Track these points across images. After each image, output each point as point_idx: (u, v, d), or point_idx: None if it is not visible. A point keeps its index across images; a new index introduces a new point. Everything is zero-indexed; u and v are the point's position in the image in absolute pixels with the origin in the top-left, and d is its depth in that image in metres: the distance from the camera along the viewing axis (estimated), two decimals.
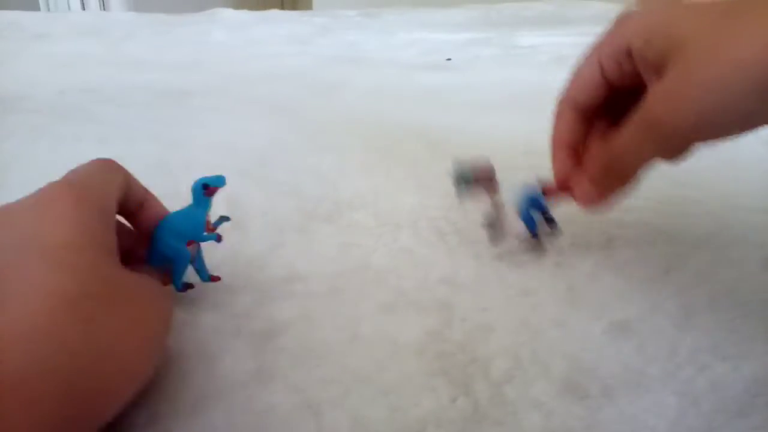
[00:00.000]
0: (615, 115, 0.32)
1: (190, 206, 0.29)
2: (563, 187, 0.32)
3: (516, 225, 0.33)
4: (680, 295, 0.30)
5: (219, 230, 0.29)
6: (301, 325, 0.29)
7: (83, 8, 3.37)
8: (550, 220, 0.33)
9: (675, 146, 0.27)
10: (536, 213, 0.32)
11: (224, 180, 0.29)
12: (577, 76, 0.33)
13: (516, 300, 0.30)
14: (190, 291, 0.30)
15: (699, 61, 0.25)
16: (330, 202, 0.43)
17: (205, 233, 0.29)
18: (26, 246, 0.22)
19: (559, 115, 0.34)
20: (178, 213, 0.29)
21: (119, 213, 0.28)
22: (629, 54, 0.29)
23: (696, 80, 0.25)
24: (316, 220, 0.40)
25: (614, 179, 0.30)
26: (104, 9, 3.39)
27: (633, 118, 0.28)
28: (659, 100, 0.26)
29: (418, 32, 1.56)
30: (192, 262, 0.29)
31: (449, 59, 1.14)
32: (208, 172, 0.29)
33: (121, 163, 0.28)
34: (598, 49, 0.31)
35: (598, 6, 1.95)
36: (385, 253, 0.36)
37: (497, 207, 0.32)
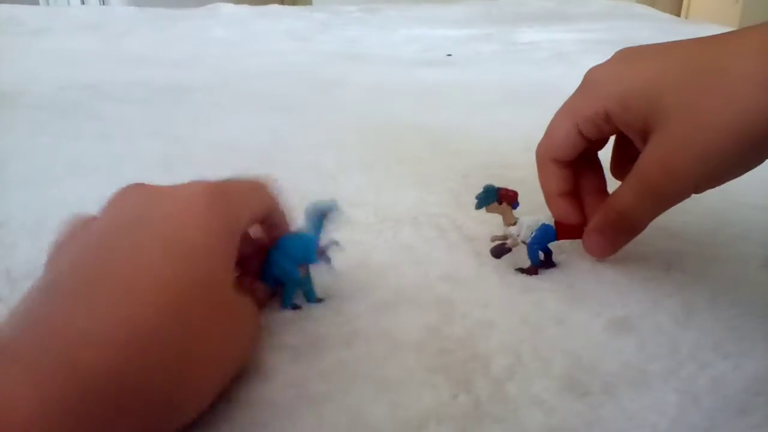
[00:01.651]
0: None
1: (305, 230, 0.30)
2: (574, 229, 0.33)
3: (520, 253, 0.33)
4: (681, 292, 0.30)
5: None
6: (302, 321, 0.29)
7: (83, 2, 3.36)
8: (549, 258, 0.33)
9: (675, 202, 0.29)
10: (541, 249, 0.33)
11: (336, 206, 0.30)
12: (553, 136, 0.33)
13: (517, 297, 0.30)
14: None
15: (686, 131, 0.26)
16: (330, 198, 0.43)
17: (316, 257, 0.30)
18: (152, 233, 0.22)
19: (542, 169, 0.34)
20: (292, 237, 0.30)
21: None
22: (607, 119, 0.29)
23: (687, 150, 0.26)
24: None
25: (624, 234, 0.31)
26: (104, 3, 3.38)
27: (631, 182, 0.29)
28: (654, 169, 0.28)
29: (419, 28, 1.55)
30: (302, 285, 0.30)
31: (449, 55, 1.13)
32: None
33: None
34: (572, 112, 0.31)
35: (597, 3, 1.94)
36: (385, 249, 0.36)
37: (509, 232, 0.33)
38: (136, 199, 0.24)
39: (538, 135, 0.34)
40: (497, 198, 0.32)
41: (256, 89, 0.84)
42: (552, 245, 0.33)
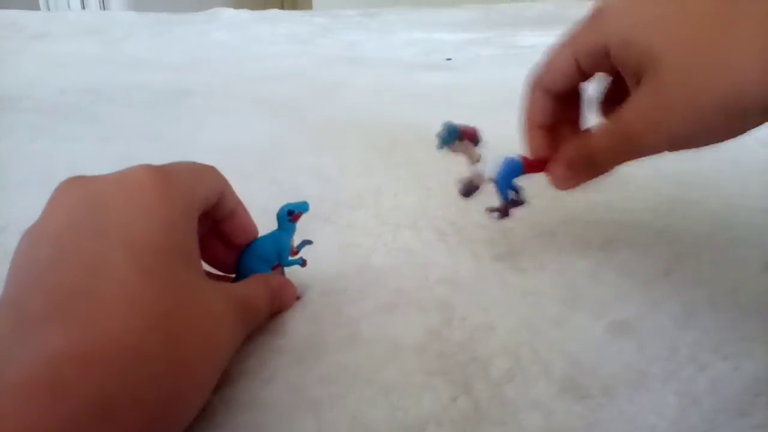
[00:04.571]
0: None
1: (275, 231, 0.30)
2: (540, 163, 0.32)
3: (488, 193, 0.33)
4: (681, 294, 0.30)
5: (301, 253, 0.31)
6: (302, 324, 0.29)
7: (83, 7, 3.37)
8: (518, 194, 0.33)
9: (647, 154, 0.28)
10: (509, 184, 0.32)
11: (308, 206, 0.30)
12: (550, 64, 0.32)
13: (516, 299, 0.30)
14: None
15: (674, 87, 0.25)
16: (330, 202, 0.43)
17: (290, 257, 0.30)
18: (112, 237, 0.21)
19: (530, 97, 0.33)
20: (263, 238, 0.30)
21: (210, 219, 0.28)
22: (607, 54, 0.29)
23: (670, 107, 0.25)
24: (316, 220, 0.40)
25: (590, 171, 0.30)
26: (104, 8, 3.38)
27: (609, 126, 0.29)
28: (634, 118, 0.27)
29: (419, 32, 1.56)
30: None
31: (449, 59, 1.14)
32: None
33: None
34: (573, 41, 0.30)
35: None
36: (385, 252, 0.36)
37: (475, 171, 0.32)
38: (79, 198, 0.22)
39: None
40: (458, 136, 0.31)
41: (256, 93, 0.84)
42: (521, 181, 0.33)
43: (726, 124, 0.25)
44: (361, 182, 0.48)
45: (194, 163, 0.27)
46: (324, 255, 0.35)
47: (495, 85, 0.88)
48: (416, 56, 1.20)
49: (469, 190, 0.32)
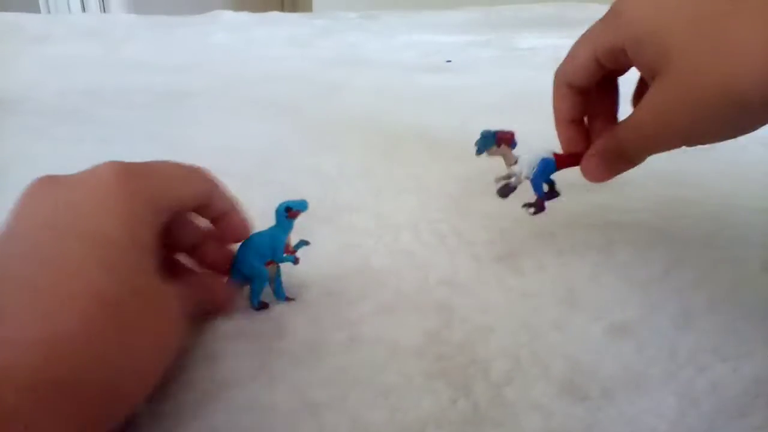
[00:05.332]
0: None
1: (272, 227, 0.30)
2: (573, 158, 0.33)
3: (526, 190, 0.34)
4: (680, 296, 0.30)
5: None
6: (302, 326, 0.29)
7: (83, 9, 3.37)
8: (553, 188, 0.34)
9: (668, 149, 0.29)
10: (544, 181, 0.34)
11: (307, 204, 0.30)
12: (573, 61, 0.33)
13: (516, 301, 0.30)
14: None
15: (683, 84, 0.26)
16: (330, 203, 0.43)
17: (284, 255, 0.30)
18: (67, 233, 0.22)
19: (557, 93, 0.34)
20: (260, 234, 0.30)
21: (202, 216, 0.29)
22: (624, 52, 0.29)
23: (680, 105, 0.26)
24: (316, 221, 0.40)
25: (620, 163, 0.31)
26: (104, 11, 3.39)
27: (630, 119, 0.29)
28: (648, 116, 0.28)
29: (418, 34, 1.56)
30: (270, 282, 0.30)
31: (449, 61, 1.14)
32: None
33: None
34: (592, 40, 0.31)
35: (597, 8, 1.95)
36: (385, 254, 0.36)
37: (512, 172, 0.33)
38: (46, 197, 0.23)
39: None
40: (495, 141, 0.33)
41: (257, 94, 0.84)
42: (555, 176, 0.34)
43: (734, 118, 0.25)
44: (361, 184, 0.48)
45: (177, 163, 0.28)
46: (324, 256, 0.35)
47: (495, 86, 0.88)
48: (416, 58, 1.20)
49: (506, 191, 0.34)
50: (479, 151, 0.33)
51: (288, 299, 0.31)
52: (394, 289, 0.32)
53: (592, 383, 0.24)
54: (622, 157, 0.30)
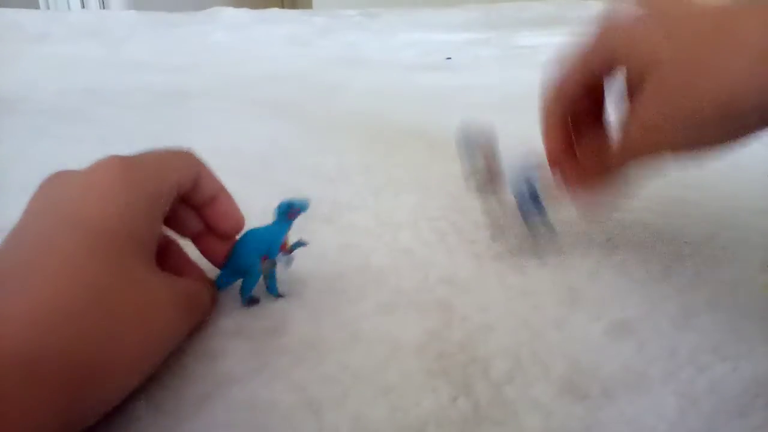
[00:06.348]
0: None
1: (270, 224, 0.30)
2: (555, 166, 0.33)
3: (516, 223, 0.33)
4: (680, 295, 0.30)
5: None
6: (302, 324, 0.29)
7: (83, 6, 3.36)
8: (544, 218, 0.34)
9: (653, 160, 0.28)
10: (527, 188, 0.33)
11: (308, 204, 0.30)
12: (563, 96, 0.32)
13: (516, 300, 0.30)
14: None
15: (672, 93, 0.26)
16: (330, 203, 0.43)
17: (279, 254, 0.30)
18: (65, 220, 0.23)
19: (549, 128, 0.34)
20: (259, 229, 0.30)
21: (188, 204, 0.29)
22: (615, 65, 0.29)
23: (668, 115, 0.26)
24: (316, 221, 0.40)
25: (609, 185, 0.31)
26: (104, 7, 3.38)
27: (618, 129, 0.29)
28: (634, 125, 0.28)
29: (418, 32, 1.56)
30: (264, 278, 0.30)
31: (449, 59, 1.14)
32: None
33: None
34: (585, 53, 0.31)
35: (597, 6, 1.95)
36: (385, 253, 0.36)
37: (494, 175, 0.33)
38: (53, 190, 0.25)
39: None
40: (477, 144, 0.33)
41: (256, 94, 0.84)
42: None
43: (724, 127, 0.25)
44: (361, 182, 0.48)
45: (167, 149, 0.28)
46: (324, 255, 0.35)
47: (495, 85, 0.88)
48: (416, 56, 1.20)
49: (496, 234, 0.35)
50: (462, 156, 0.33)
51: (280, 295, 0.31)
52: (395, 287, 0.32)
53: (592, 382, 0.24)
54: (609, 179, 0.31)
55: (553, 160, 0.34)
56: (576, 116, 0.34)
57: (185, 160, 0.28)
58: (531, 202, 0.33)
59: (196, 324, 0.28)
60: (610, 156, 0.30)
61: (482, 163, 0.33)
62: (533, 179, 0.33)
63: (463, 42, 1.37)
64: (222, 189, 0.30)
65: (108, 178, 0.24)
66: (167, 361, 0.25)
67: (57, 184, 0.25)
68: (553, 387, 0.24)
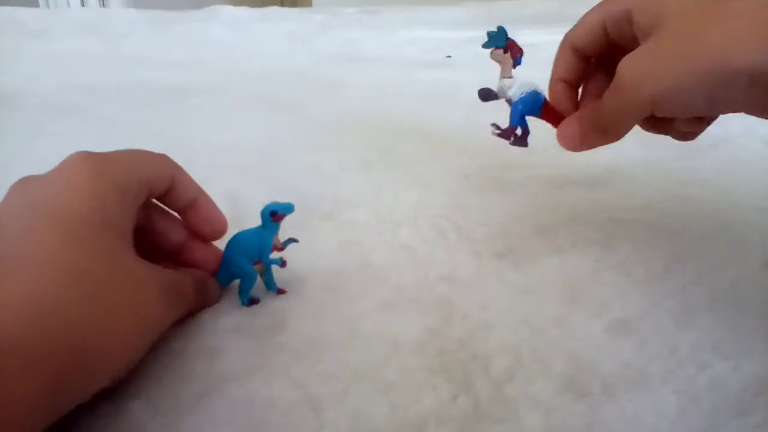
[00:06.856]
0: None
1: (258, 227, 0.30)
2: (558, 116, 0.33)
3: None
4: (681, 293, 0.30)
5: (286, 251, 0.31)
6: (302, 321, 0.29)
7: (82, 4, 3.36)
8: (525, 134, 0.33)
9: (636, 111, 0.28)
10: (523, 113, 0.33)
11: (293, 207, 0.30)
12: (580, 23, 0.33)
13: (516, 298, 0.30)
14: None
15: (669, 42, 0.26)
16: (330, 200, 0.43)
17: (271, 256, 0.30)
18: (40, 213, 0.23)
19: (560, 52, 0.34)
20: (246, 233, 0.30)
21: (170, 207, 0.30)
22: (630, 20, 0.30)
23: (662, 58, 0.26)
24: (317, 218, 0.40)
25: (596, 132, 0.31)
26: (103, 5, 3.38)
27: (612, 82, 0.29)
28: (625, 68, 0.28)
29: (419, 30, 1.56)
30: (261, 277, 0.30)
31: (449, 57, 1.13)
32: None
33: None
34: (603, 6, 0.32)
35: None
36: (385, 250, 0.36)
37: (502, 84, 0.33)
38: (23, 191, 0.25)
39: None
40: (505, 44, 0.33)
41: (256, 91, 0.84)
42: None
43: (717, 89, 0.25)
44: (361, 180, 0.48)
45: (140, 149, 0.28)
46: (324, 252, 0.35)
47: (495, 82, 0.87)
48: (416, 54, 1.20)
49: (487, 96, 0.34)
50: (487, 45, 0.33)
51: (280, 291, 0.31)
52: (395, 284, 0.32)
53: (592, 380, 0.24)
54: (598, 123, 0.30)
55: (552, 86, 0.34)
56: (585, 82, 0.34)
57: (158, 161, 0.29)
58: (523, 112, 0.33)
59: (182, 314, 0.28)
60: (603, 100, 0.30)
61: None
62: (535, 99, 0.33)
63: (463, 39, 1.36)
64: (201, 192, 0.30)
65: (77, 171, 0.25)
66: (166, 359, 0.25)
67: (27, 186, 0.25)
68: (554, 385, 0.24)
